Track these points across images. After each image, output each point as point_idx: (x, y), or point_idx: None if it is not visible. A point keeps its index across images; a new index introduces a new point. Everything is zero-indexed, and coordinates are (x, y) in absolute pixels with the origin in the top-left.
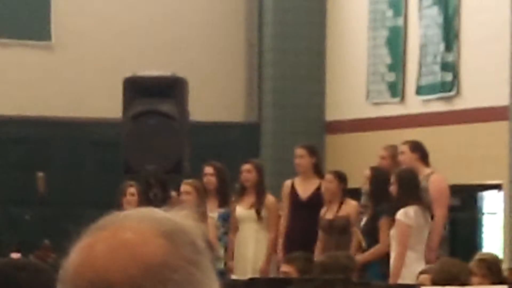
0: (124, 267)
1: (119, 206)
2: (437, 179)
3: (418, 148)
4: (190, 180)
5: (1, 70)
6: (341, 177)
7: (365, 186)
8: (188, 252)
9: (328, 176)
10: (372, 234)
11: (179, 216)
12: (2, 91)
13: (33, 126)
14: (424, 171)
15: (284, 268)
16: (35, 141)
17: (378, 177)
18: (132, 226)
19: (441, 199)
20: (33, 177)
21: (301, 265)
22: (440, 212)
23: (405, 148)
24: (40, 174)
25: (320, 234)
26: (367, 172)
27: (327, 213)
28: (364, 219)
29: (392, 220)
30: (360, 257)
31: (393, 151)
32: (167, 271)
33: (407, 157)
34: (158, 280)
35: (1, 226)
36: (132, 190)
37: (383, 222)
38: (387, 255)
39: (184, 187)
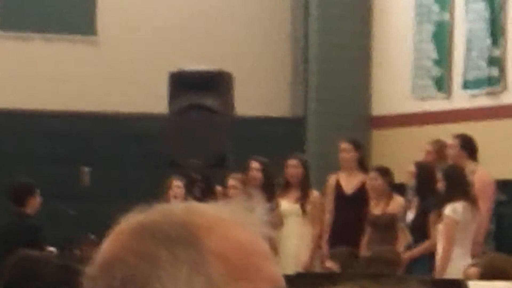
0: (95, 262)
1: (165, 199)
2: (482, 173)
3: (468, 144)
4: (237, 175)
5: (47, 65)
6: (385, 173)
7: (410, 182)
8: (144, 245)
9: (372, 174)
10: (420, 230)
11: (180, 208)
12: (47, 86)
13: (78, 121)
14: (470, 165)
15: (328, 263)
16: (79, 135)
17: (423, 172)
18: (127, 220)
19: (486, 194)
20: (77, 172)
21: (344, 260)
22: (485, 207)
23: (455, 143)
24: (85, 168)
25: (368, 229)
26: (412, 167)
27: (375, 209)
28: (412, 215)
29: (440, 215)
30: (409, 253)
31: (439, 146)
32: (115, 266)
33: (455, 152)
34: (107, 275)
35: (46, 220)
36: (178, 183)
37: (432, 217)
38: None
39: (231, 182)
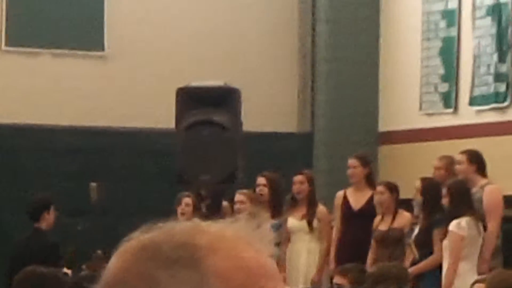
0: (100, 281)
1: (174, 216)
2: (491, 190)
3: (476, 159)
4: (244, 190)
5: (55, 80)
6: (392, 188)
7: (417, 197)
8: (145, 267)
9: (380, 188)
10: (425, 245)
11: (183, 227)
12: (56, 101)
13: (86, 136)
14: (480, 181)
15: (337, 279)
16: (88, 151)
17: (430, 188)
18: (131, 239)
19: (495, 210)
20: (86, 187)
21: (355, 276)
22: (494, 223)
23: (463, 158)
24: (93, 184)
25: (374, 245)
26: (418, 183)
27: (381, 225)
28: (417, 230)
29: (446, 231)
30: (413, 269)
31: (447, 162)
32: (117, 287)
33: (464, 168)
34: None
35: (57, 236)
36: (187, 200)
37: (436, 233)
38: (440, 266)
39: (238, 197)
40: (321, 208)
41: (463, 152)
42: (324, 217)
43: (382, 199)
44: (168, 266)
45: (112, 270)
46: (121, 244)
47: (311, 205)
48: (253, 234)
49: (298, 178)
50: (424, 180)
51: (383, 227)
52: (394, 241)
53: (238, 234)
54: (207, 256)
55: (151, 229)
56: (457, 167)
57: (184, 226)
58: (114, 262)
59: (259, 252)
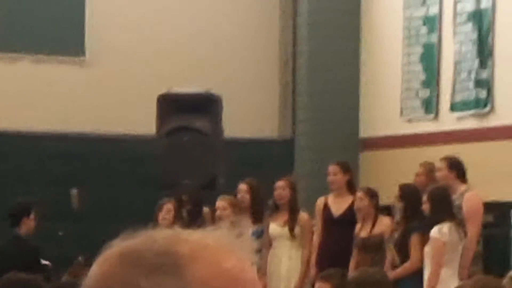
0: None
1: (155, 222)
2: (471, 197)
3: (455, 165)
4: (226, 196)
5: (36, 86)
6: (372, 194)
7: (396, 203)
8: (126, 274)
9: (359, 194)
10: (403, 251)
11: (164, 235)
12: (36, 106)
13: (67, 142)
14: (460, 188)
15: (319, 285)
16: (69, 156)
17: (409, 194)
18: (113, 246)
19: (474, 217)
20: (67, 193)
21: (337, 282)
22: (474, 230)
23: (442, 165)
24: (74, 190)
25: (355, 251)
26: (398, 189)
27: (362, 231)
28: (395, 236)
29: (424, 237)
30: (391, 274)
31: (429, 168)
32: None
33: (444, 174)
34: None
35: (35, 241)
36: (169, 206)
37: (414, 238)
38: (418, 272)
39: (219, 203)
40: (303, 215)
41: (442, 159)
42: (306, 224)
43: (361, 205)
44: (150, 273)
45: (94, 277)
46: (103, 251)
47: (293, 211)
48: (235, 243)
49: (280, 183)
50: (403, 186)
51: (363, 233)
52: (374, 247)
53: (220, 242)
54: (189, 264)
55: (133, 236)
56: (437, 174)
57: (166, 233)
58: (96, 268)
59: (240, 260)
